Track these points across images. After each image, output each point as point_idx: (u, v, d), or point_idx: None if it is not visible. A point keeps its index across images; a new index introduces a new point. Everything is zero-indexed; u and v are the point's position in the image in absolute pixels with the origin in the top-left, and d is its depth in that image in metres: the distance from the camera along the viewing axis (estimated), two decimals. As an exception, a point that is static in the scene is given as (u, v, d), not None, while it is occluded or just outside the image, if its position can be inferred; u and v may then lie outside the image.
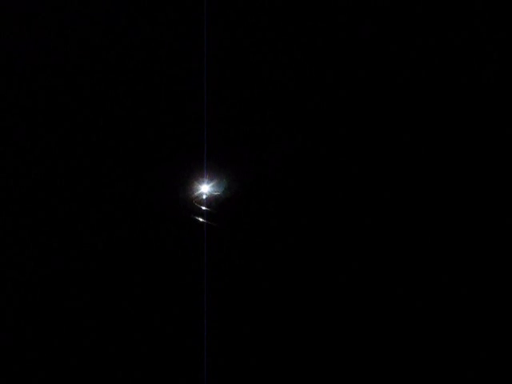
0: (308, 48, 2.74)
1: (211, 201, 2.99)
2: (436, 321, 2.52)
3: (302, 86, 2.78)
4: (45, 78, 2.73)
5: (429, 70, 2.63)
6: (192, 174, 2.98)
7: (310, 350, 2.61)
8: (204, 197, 2.94)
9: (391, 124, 2.65)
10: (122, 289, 2.68)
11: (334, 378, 2.56)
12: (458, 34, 2.62)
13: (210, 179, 2.99)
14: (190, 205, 3.00)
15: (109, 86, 2.77)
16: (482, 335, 2.49)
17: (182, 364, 2.60)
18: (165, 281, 2.73)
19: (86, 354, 2.58)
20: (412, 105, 2.64)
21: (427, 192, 2.61)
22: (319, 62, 2.73)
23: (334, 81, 2.71)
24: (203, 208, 2.94)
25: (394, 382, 2.50)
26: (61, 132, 2.76)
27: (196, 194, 3.02)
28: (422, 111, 2.64)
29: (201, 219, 2.97)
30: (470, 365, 2.47)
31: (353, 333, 2.58)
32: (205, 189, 2.97)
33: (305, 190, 2.78)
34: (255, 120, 2.82)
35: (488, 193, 2.57)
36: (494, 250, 2.53)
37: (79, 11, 2.70)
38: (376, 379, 2.52)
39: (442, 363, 2.49)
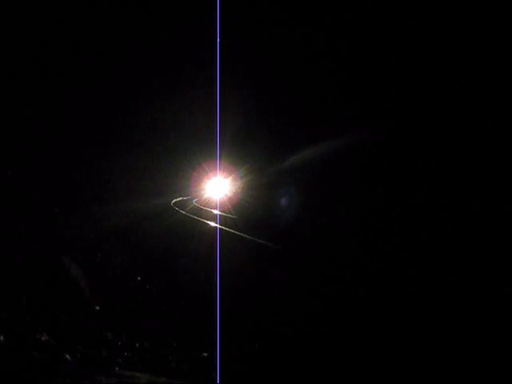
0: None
1: (224, 203, 2.94)
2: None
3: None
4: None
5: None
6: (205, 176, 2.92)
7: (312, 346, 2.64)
8: (217, 199, 2.89)
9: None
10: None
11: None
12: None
13: (224, 180, 2.93)
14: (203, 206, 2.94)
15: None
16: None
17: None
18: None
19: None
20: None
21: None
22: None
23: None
24: (215, 211, 2.89)
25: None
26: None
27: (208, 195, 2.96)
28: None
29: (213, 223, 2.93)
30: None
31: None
32: (218, 190, 2.91)
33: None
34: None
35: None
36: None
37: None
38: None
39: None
